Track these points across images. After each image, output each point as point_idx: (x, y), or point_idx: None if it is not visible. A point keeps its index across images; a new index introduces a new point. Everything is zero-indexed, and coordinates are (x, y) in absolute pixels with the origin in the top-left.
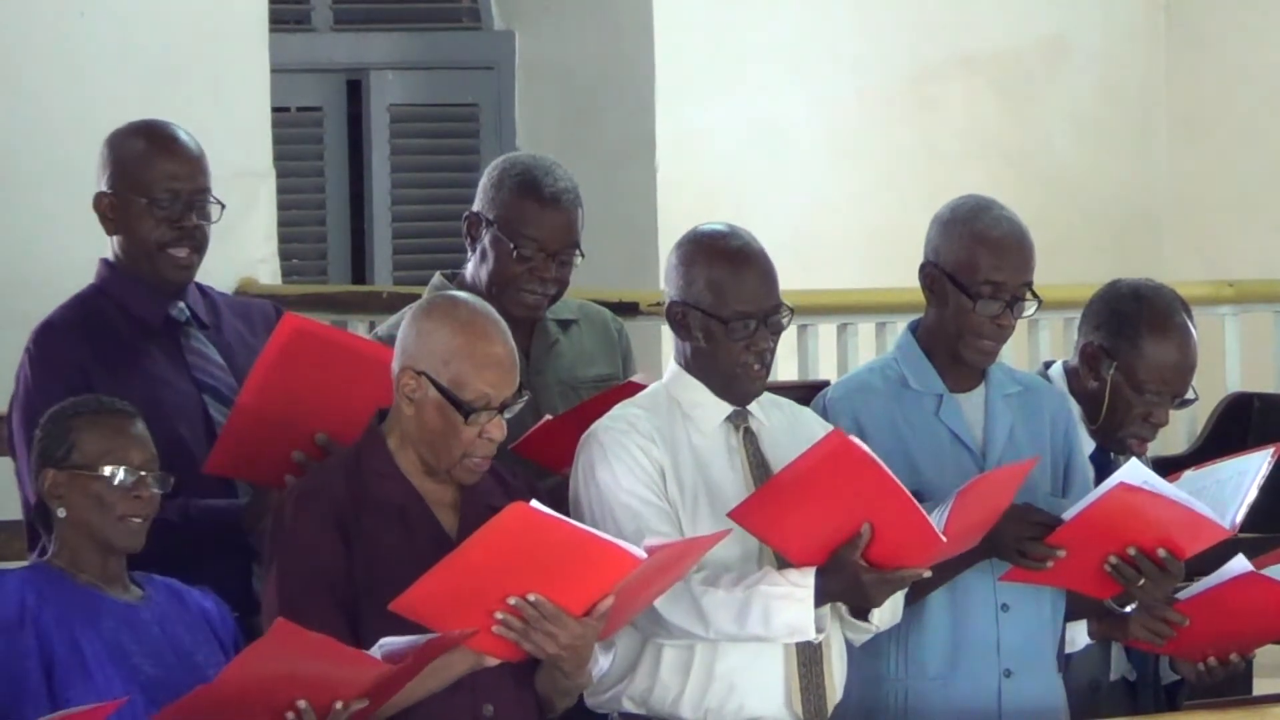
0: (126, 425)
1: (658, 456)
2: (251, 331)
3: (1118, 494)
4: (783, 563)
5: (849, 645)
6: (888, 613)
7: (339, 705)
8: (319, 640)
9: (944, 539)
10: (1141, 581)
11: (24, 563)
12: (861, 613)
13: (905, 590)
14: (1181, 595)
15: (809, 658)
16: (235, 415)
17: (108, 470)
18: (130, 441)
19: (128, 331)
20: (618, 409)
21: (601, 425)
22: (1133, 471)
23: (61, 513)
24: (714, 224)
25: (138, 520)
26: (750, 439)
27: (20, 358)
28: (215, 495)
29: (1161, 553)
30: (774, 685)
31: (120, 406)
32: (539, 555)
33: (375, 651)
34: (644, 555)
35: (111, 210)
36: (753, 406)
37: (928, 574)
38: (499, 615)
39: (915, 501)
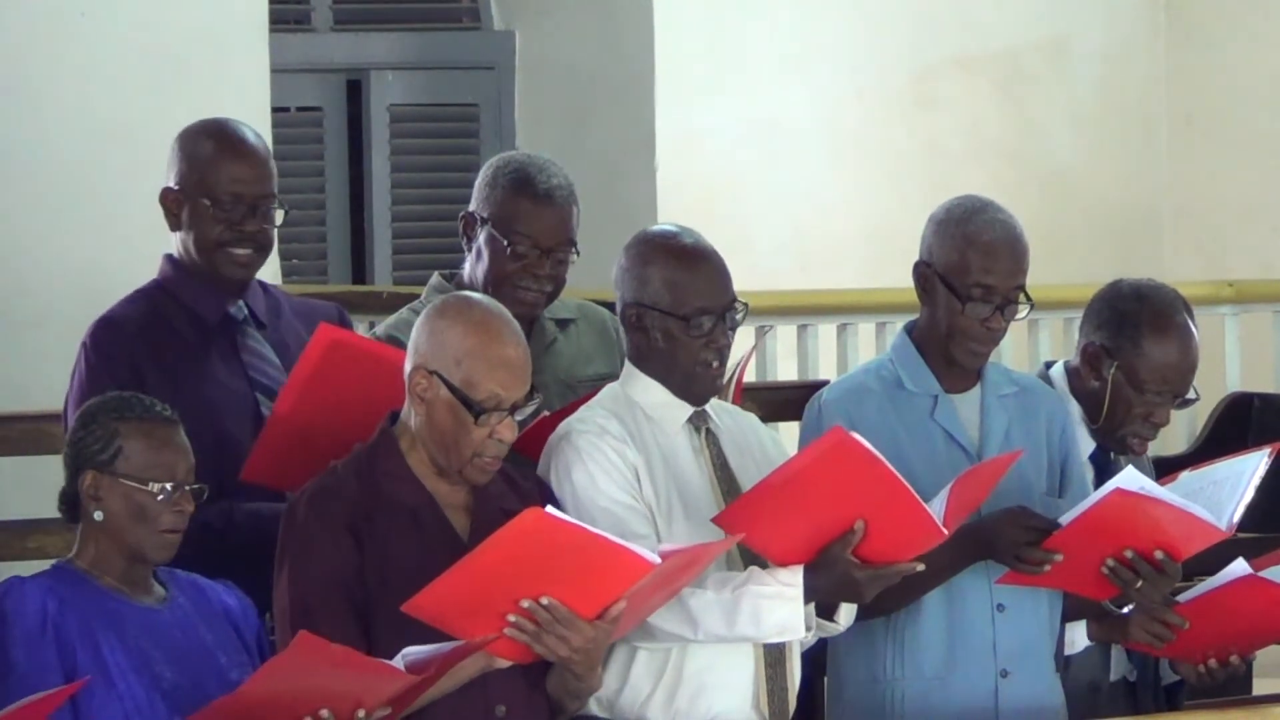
0: (172, 435)
1: (632, 459)
2: (311, 333)
3: (1114, 500)
4: (755, 560)
5: (849, 646)
6: (850, 614)
7: (361, 714)
8: (341, 652)
9: (945, 531)
10: (1139, 584)
11: (27, 562)
12: (826, 613)
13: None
14: (1181, 598)
15: (775, 658)
16: (272, 424)
17: (155, 486)
18: (177, 455)
19: (186, 328)
20: (583, 411)
21: (572, 429)
22: (1129, 478)
23: (98, 516)
24: (661, 225)
25: (174, 534)
26: (712, 440)
27: (77, 353)
28: (262, 497)
29: (1159, 555)
30: (743, 686)
31: (166, 414)
32: (553, 559)
33: (398, 662)
34: (657, 560)
35: (176, 207)
36: (708, 409)
37: (920, 567)
38: (512, 618)
39: (916, 495)
